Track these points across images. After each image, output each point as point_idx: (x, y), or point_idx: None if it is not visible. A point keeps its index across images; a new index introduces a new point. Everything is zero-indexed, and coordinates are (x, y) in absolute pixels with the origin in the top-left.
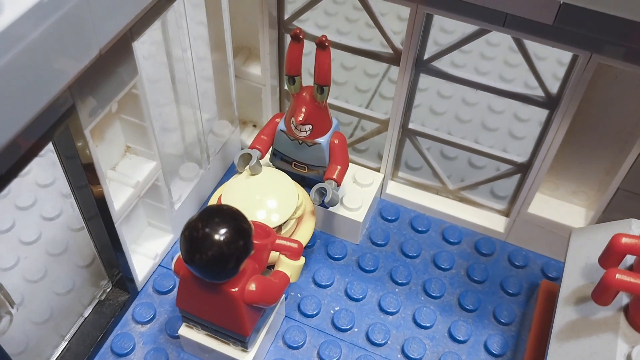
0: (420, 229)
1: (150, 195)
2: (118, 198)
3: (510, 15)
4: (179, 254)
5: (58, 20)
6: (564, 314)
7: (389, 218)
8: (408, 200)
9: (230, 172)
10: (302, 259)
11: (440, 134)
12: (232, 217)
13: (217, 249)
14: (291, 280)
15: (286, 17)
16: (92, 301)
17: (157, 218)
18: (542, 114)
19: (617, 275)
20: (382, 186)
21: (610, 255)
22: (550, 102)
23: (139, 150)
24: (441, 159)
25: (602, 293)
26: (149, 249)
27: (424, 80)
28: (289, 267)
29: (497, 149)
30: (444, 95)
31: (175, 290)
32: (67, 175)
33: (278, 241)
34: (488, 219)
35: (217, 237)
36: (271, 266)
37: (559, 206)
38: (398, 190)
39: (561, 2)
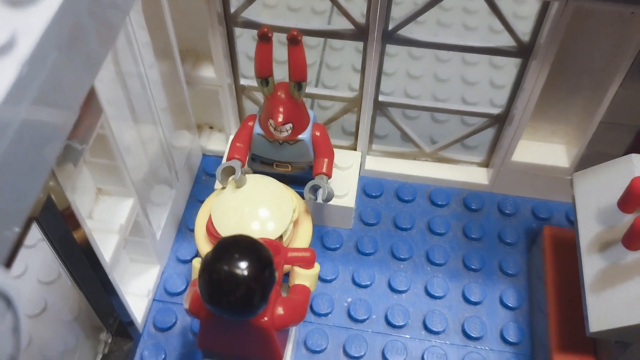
0: (406, 198)
1: (132, 233)
2: (106, 248)
3: None
4: (190, 291)
5: (40, 89)
6: (591, 264)
7: (374, 194)
8: (388, 172)
9: (197, 182)
10: (317, 266)
11: (410, 101)
12: (250, 247)
13: (245, 287)
14: (311, 290)
15: (232, 10)
16: (95, 358)
17: (140, 252)
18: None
19: None
20: (361, 163)
21: (633, 199)
22: (523, 51)
23: (112, 190)
24: (408, 121)
25: (635, 239)
26: (140, 287)
27: (393, 46)
28: (306, 277)
29: (484, 104)
30: (415, 56)
31: (179, 323)
32: (47, 236)
33: (290, 254)
34: (470, 174)
35: (241, 274)
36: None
37: (540, 148)
38: (376, 163)
39: None
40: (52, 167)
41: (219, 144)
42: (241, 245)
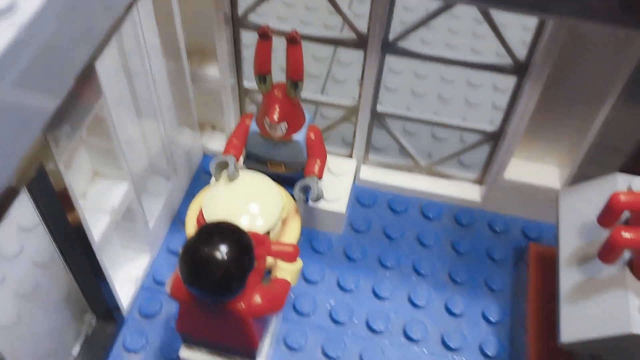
0: (399, 209)
1: (124, 218)
2: (96, 228)
3: None
4: (173, 276)
5: (37, 53)
6: (568, 277)
7: (367, 203)
8: (382, 183)
9: (196, 179)
10: (300, 262)
11: (409, 113)
12: (232, 233)
13: (224, 269)
14: (291, 284)
15: (240, 13)
16: (78, 338)
17: (132, 239)
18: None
19: (624, 234)
20: (356, 172)
21: (611, 214)
22: (518, 69)
23: (107, 173)
24: (408, 136)
25: (610, 252)
26: (129, 273)
27: (398, 63)
28: (288, 271)
29: (483, 121)
30: (421, 75)
31: (164, 312)
32: (41, 215)
33: (273, 247)
34: (463, 190)
35: (221, 257)
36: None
37: (532, 168)
38: (371, 174)
39: None
40: (51, 148)
41: (220, 144)
42: (223, 230)
